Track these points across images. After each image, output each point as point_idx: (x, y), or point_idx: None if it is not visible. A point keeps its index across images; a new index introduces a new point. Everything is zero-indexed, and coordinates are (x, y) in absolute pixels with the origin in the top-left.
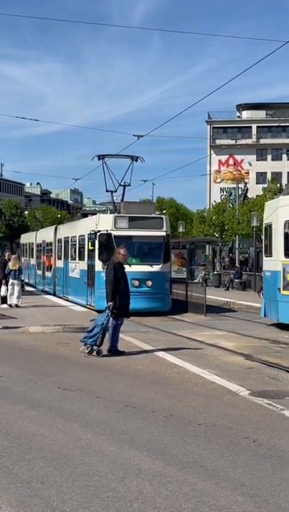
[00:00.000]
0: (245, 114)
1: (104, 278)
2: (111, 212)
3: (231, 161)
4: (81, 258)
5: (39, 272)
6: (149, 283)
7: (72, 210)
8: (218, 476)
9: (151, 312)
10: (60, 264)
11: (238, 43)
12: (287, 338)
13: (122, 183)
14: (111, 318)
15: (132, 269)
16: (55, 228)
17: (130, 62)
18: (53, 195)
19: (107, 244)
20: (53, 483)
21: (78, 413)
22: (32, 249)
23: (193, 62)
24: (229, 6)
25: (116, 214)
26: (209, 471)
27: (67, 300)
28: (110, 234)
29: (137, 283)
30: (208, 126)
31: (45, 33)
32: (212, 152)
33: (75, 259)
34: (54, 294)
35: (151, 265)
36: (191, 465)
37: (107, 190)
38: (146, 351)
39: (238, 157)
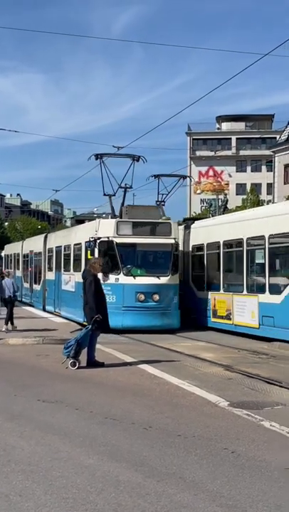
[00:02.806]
0: (225, 126)
1: (87, 290)
2: (114, 217)
3: (211, 172)
4: (77, 269)
5: (26, 285)
6: (156, 297)
7: (52, 221)
8: (196, 488)
9: (157, 330)
10: (50, 276)
11: (219, 55)
12: (266, 349)
13: (123, 185)
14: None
15: (137, 281)
16: (45, 237)
17: (111, 74)
18: (33, 206)
19: (108, 253)
20: (32, 496)
21: (57, 425)
22: (17, 260)
23: (174, 73)
24: (210, 19)
25: (118, 219)
26: (188, 483)
27: (59, 315)
28: (112, 241)
29: (142, 297)
30: (188, 137)
31: (25, 43)
32: (192, 163)
33: (69, 270)
34: (44, 309)
35: (158, 277)
36: (169, 476)
37: (104, 194)
38: (126, 363)
39: (218, 168)
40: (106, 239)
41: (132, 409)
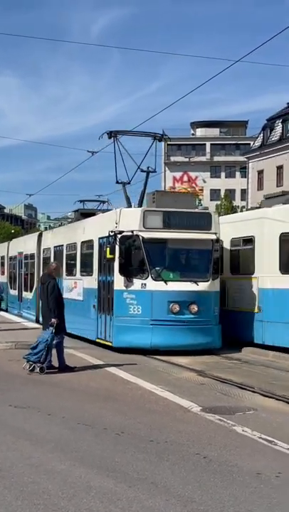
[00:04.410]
0: (199, 132)
1: (50, 294)
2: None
3: (186, 178)
4: (86, 272)
5: (13, 292)
6: (195, 308)
7: (26, 225)
8: (168, 493)
9: (195, 351)
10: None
11: (196, 60)
12: (240, 354)
13: (146, 169)
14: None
15: (169, 287)
16: (39, 236)
17: (88, 78)
18: (6, 211)
19: (131, 251)
20: (3, 501)
21: (29, 431)
22: (2, 264)
23: (152, 78)
24: (187, 24)
25: (145, 208)
26: (160, 488)
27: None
28: (138, 236)
29: (176, 308)
30: (163, 143)
31: (1, 46)
32: (167, 169)
33: (73, 274)
34: (37, 321)
35: (195, 282)
36: (141, 482)
37: (117, 182)
38: (99, 367)
39: (193, 174)
40: (129, 233)
41: (104, 414)
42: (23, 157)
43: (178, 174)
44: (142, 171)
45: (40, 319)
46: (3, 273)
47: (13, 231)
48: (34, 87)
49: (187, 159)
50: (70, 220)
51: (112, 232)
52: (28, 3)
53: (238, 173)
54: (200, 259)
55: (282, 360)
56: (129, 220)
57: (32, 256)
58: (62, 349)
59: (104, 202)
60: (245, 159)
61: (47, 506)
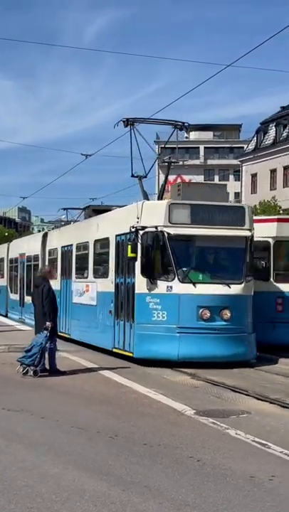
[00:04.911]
0: (193, 135)
1: (45, 297)
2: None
3: (179, 181)
4: (100, 274)
5: (14, 297)
6: (227, 314)
7: (19, 228)
8: (161, 496)
9: (227, 363)
10: (53, 284)
11: (190, 63)
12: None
13: (167, 159)
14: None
15: (198, 290)
16: (44, 236)
17: (83, 80)
18: (0, 213)
19: (155, 249)
20: None
21: (23, 434)
22: (1, 266)
23: (145, 81)
24: (182, 27)
25: (171, 200)
26: (153, 491)
27: (69, 338)
28: (162, 233)
29: (207, 314)
30: (157, 146)
31: None
32: (160, 172)
33: (85, 276)
34: None
35: (228, 285)
36: (135, 485)
37: (133, 175)
38: (94, 371)
39: (186, 177)
40: (153, 229)
41: (98, 417)
42: (16, 160)
43: (171, 177)
44: (164, 161)
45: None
46: (2, 276)
47: (6, 234)
48: (29, 90)
49: (181, 162)
50: (63, 222)
51: (133, 227)
52: (22, 6)
53: (231, 177)
54: (232, 259)
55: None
56: (152, 214)
57: (36, 257)
58: (55, 353)
59: (85, 210)
60: (239, 163)
61: (40, 510)
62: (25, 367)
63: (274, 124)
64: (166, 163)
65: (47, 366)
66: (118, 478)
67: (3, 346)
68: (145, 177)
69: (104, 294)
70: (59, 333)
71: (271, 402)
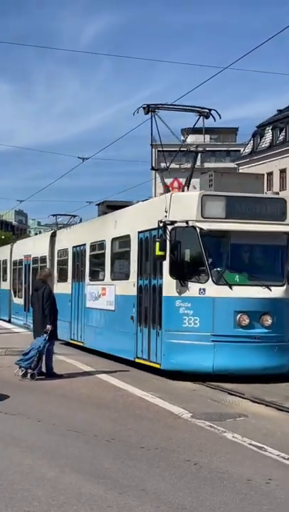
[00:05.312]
0: (190, 139)
1: (46, 300)
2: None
3: (176, 184)
4: (119, 276)
5: (17, 301)
6: (268, 320)
7: (16, 231)
8: (158, 500)
9: (268, 376)
10: (63, 288)
11: (186, 66)
12: None
13: (193, 148)
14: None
15: (235, 293)
16: (52, 236)
17: (79, 84)
18: None
19: (186, 246)
20: None
21: (19, 437)
22: (4, 269)
23: (141, 85)
24: (178, 31)
25: (204, 191)
26: (150, 495)
27: (82, 346)
28: (194, 228)
29: (246, 320)
30: (153, 149)
31: None
32: (157, 175)
33: (100, 278)
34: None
35: (268, 287)
36: (132, 489)
37: (153, 168)
38: (91, 374)
39: (183, 180)
40: (184, 224)
41: (94, 421)
42: (13, 163)
43: (168, 180)
44: (190, 151)
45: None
46: (4, 279)
47: (3, 237)
48: (25, 93)
49: (177, 166)
50: (60, 225)
51: (161, 222)
52: (19, 9)
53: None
54: (272, 258)
55: None
56: (182, 207)
57: (43, 259)
58: (52, 356)
59: (74, 216)
60: (236, 166)
61: None
62: (24, 369)
63: (270, 127)
64: (193, 152)
65: (43, 369)
66: (115, 481)
67: None
68: (166, 169)
69: (125, 297)
70: (71, 341)
71: (267, 405)
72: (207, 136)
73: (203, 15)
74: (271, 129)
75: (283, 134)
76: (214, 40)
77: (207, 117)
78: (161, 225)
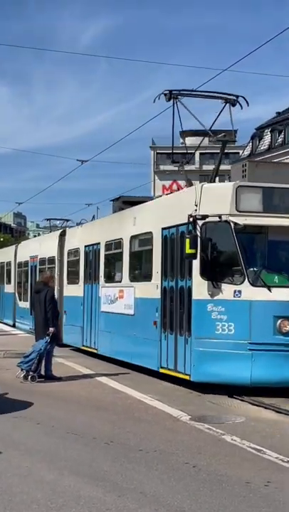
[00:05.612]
0: (189, 141)
1: (48, 303)
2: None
3: (175, 187)
4: (139, 277)
5: (23, 305)
6: None
7: (15, 233)
8: (157, 502)
9: None
10: (73, 291)
11: (186, 69)
12: None
13: (221, 137)
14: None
15: (274, 296)
16: (61, 235)
17: (77, 87)
18: None
19: (219, 244)
20: None
21: (18, 440)
22: (8, 271)
23: (140, 88)
24: (178, 34)
25: (239, 182)
26: (149, 498)
27: (96, 354)
28: (228, 223)
29: (287, 327)
30: (152, 151)
31: None
32: (156, 177)
33: (117, 280)
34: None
35: None
36: (130, 491)
37: (173, 161)
38: (89, 377)
39: (182, 183)
40: (216, 218)
41: (93, 423)
42: (12, 165)
43: (167, 183)
44: (218, 140)
45: (65, 339)
46: (9, 282)
47: (2, 239)
48: (24, 96)
49: (176, 168)
50: (59, 228)
51: (190, 217)
52: (17, 12)
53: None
54: None
55: None
56: (214, 199)
57: (51, 260)
58: (51, 358)
59: (68, 220)
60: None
61: None
62: (25, 371)
63: (269, 129)
64: (221, 141)
65: (43, 372)
66: (114, 484)
67: None
68: (188, 162)
69: (146, 300)
70: (83, 348)
71: (266, 408)
72: (206, 139)
73: (202, 17)
74: (270, 132)
75: (282, 136)
76: (213, 43)
77: (234, 105)
78: (191, 219)
